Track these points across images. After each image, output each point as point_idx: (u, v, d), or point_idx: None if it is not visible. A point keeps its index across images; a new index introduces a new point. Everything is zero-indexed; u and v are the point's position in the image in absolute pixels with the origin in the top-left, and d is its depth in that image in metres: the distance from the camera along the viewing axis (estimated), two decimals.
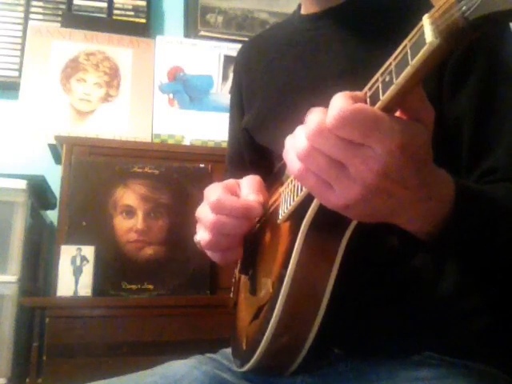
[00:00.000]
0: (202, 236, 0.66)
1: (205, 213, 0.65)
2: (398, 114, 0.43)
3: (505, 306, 0.64)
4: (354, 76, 0.69)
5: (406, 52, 0.38)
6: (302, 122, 0.46)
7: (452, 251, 0.56)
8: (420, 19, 0.37)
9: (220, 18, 2.26)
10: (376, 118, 0.40)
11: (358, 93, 0.43)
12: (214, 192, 0.65)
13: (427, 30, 0.36)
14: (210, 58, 2.12)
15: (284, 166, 0.64)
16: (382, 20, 0.72)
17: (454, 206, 0.49)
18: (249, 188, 0.66)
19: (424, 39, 0.36)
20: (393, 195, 0.43)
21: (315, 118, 0.42)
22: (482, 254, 0.56)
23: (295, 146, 0.45)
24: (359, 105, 0.40)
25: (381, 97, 0.40)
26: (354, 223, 0.52)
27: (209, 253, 0.69)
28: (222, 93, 2.08)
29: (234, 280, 0.82)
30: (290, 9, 0.91)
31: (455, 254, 0.57)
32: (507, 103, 0.63)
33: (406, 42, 0.39)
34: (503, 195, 0.56)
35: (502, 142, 0.62)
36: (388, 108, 0.40)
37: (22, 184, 1.50)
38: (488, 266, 0.60)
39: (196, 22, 2.23)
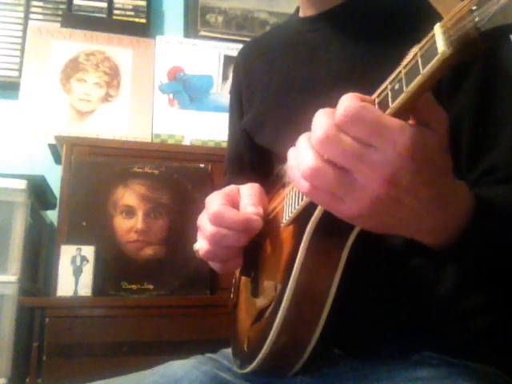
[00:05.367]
0: (201, 245, 0.66)
1: (205, 223, 0.65)
2: None
3: (505, 306, 0.64)
4: (353, 76, 0.70)
5: (417, 61, 0.38)
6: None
7: (464, 263, 0.55)
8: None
9: (220, 18, 2.26)
10: (385, 118, 0.39)
11: (366, 96, 0.43)
12: (215, 202, 0.64)
13: (439, 39, 0.36)
14: (209, 58, 2.12)
15: (285, 167, 0.64)
16: (379, 22, 0.72)
17: (472, 221, 0.48)
18: (249, 198, 0.65)
19: (436, 48, 0.36)
20: (403, 205, 0.42)
21: (320, 123, 0.41)
22: (491, 263, 0.55)
23: (298, 163, 0.43)
24: (369, 104, 0.40)
25: (390, 104, 0.40)
26: (357, 228, 0.52)
27: (208, 261, 0.69)
28: (222, 93, 2.08)
29: (234, 280, 0.82)
30: (289, 9, 0.92)
31: (465, 264, 0.57)
32: (506, 102, 0.63)
33: (416, 50, 0.38)
34: None
35: (502, 141, 0.62)
36: (397, 115, 0.40)
37: (22, 184, 1.49)
38: (493, 270, 0.60)
39: (196, 22, 2.23)
